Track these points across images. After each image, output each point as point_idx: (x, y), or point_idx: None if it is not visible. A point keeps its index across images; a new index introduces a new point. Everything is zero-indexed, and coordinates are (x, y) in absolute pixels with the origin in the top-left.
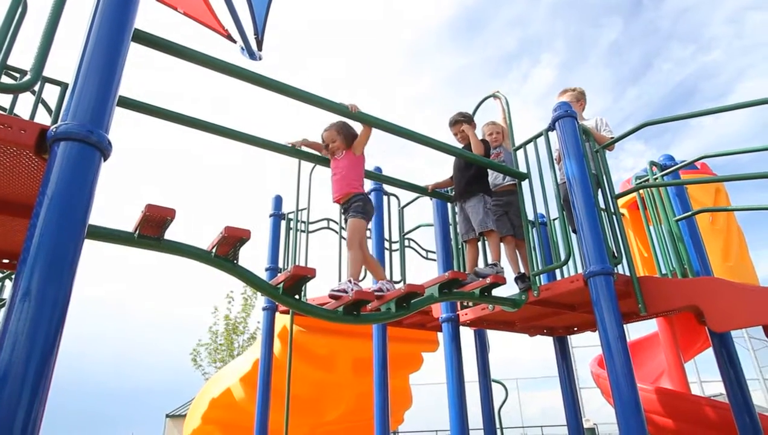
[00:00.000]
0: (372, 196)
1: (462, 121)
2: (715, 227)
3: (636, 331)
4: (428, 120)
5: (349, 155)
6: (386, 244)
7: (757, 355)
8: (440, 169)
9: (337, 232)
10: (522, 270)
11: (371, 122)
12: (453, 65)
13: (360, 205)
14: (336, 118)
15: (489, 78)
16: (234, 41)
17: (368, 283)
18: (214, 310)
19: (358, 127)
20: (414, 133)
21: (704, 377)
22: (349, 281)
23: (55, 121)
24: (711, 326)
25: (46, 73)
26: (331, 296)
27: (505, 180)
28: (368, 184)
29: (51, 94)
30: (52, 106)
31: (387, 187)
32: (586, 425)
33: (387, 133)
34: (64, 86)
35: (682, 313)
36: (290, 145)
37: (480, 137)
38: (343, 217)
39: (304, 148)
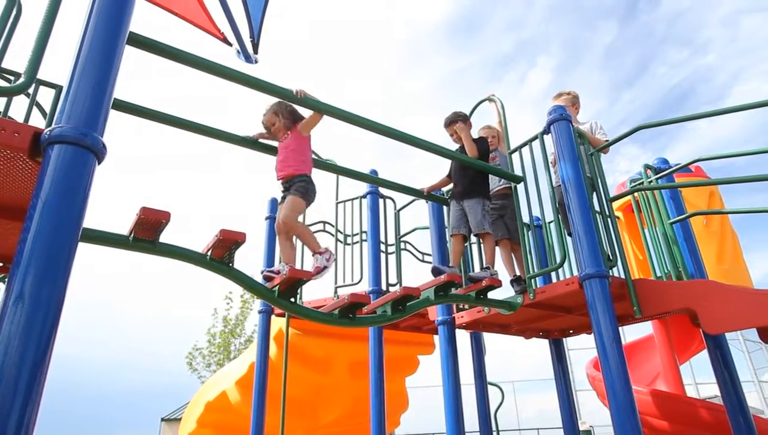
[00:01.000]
0: (368, 199)
1: (457, 121)
2: (710, 230)
3: (631, 333)
4: (424, 122)
5: (294, 135)
6: (382, 247)
7: (752, 357)
8: (436, 171)
9: (332, 235)
10: (518, 273)
11: (321, 109)
12: (449, 67)
13: (303, 184)
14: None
15: (485, 81)
16: (230, 44)
17: (364, 286)
18: (214, 311)
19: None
20: (371, 122)
21: (699, 379)
22: (320, 254)
23: (49, 124)
24: (705, 328)
25: (41, 75)
26: (265, 277)
27: (501, 183)
28: (364, 187)
29: (45, 96)
30: (47, 109)
31: (383, 190)
32: (582, 427)
33: (341, 121)
34: (58, 89)
35: (677, 316)
36: (253, 138)
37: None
38: (281, 195)
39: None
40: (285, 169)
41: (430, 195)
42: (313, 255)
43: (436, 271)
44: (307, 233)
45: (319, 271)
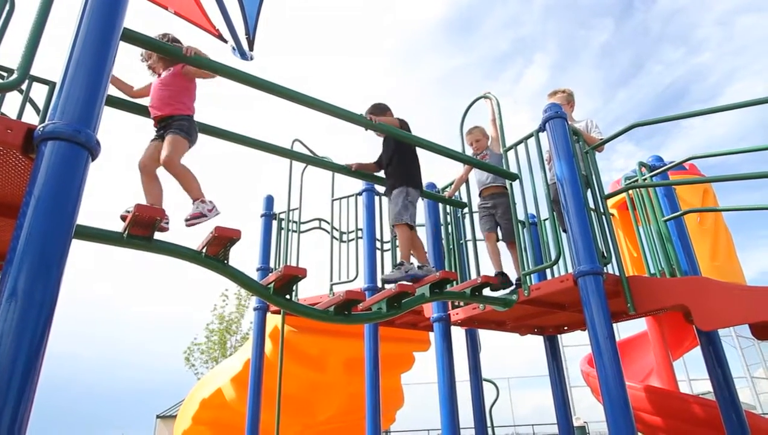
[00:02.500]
0: (363, 196)
1: (369, 113)
2: (703, 227)
3: (625, 330)
4: (421, 120)
5: (176, 74)
6: (378, 244)
7: (744, 353)
8: (432, 165)
9: (328, 232)
10: (508, 270)
11: (216, 70)
12: (446, 66)
13: (185, 124)
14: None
15: (482, 79)
16: (225, 41)
17: (360, 283)
18: (214, 308)
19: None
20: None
21: (693, 375)
22: (202, 202)
23: (42, 121)
24: (698, 325)
25: (34, 72)
26: (189, 224)
27: (488, 181)
28: (359, 184)
29: (39, 93)
30: (40, 105)
31: (379, 187)
32: (576, 424)
33: (245, 85)
34: (51, 85)
35: (671, 312)
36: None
37: (466, 145)
38: (156, 134)
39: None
40: (163, 107)
41: (426, 192)
42: (193, 202)
43: (386, 283)
44: (189, 177)
45: (196, 217)
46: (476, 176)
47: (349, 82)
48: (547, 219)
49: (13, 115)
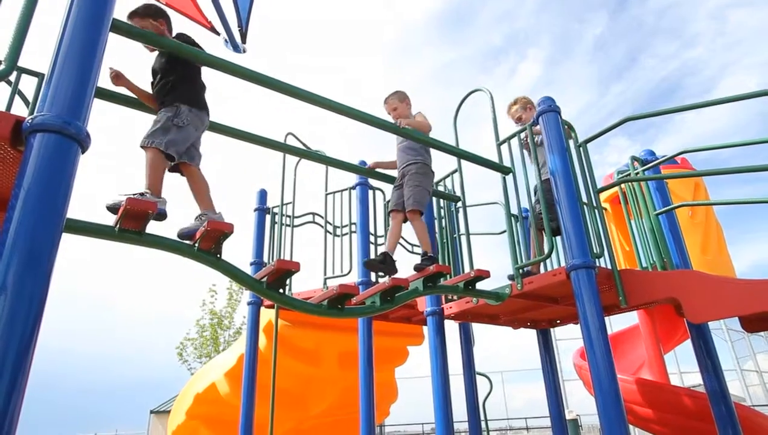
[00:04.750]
0: (357, 190)
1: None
2: (695, 221)
3: (618, 323)
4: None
5: None
6: (372, 239)
7: (734, 346)
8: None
9: (322, 226)
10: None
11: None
12: (440, 60)
13: None
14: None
15: (476, 73)
16: (218, 33)
17: (354, 277)
18: (202, 303)
19: None
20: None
21: (684, 368)
22: None
23: (31, 113)
24: (689, 318)
25: (22, 63)
26: None
27: (407, 163)
28: (353, 178)
29: (28, 84)
30: (30, 97)
31: (372, 182)
32: (569, 416)
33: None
34: (41, 77)
35: (662, 306)
36: None
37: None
38: None
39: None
40: None
41: None
42: None
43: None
44: None
45: None
46: (397, 155)
47: (343, 78)
48: (540, 213)
49: (2, 107)
